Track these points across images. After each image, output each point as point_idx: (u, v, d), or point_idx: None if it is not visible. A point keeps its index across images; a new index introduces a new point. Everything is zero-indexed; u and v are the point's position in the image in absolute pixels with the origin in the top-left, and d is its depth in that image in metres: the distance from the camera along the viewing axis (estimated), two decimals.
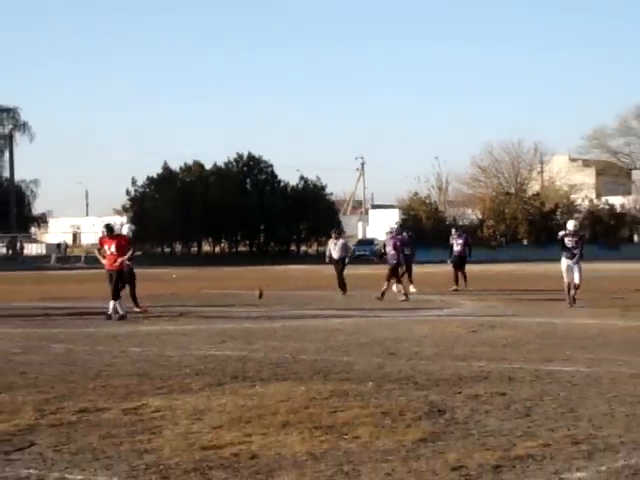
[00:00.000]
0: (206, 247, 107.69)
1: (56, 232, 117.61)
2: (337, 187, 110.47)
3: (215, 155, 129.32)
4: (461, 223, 79.05)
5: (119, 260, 24.75)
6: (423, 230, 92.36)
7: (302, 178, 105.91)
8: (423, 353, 17.86)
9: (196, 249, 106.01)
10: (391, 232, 35.28)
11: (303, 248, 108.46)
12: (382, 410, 11.91)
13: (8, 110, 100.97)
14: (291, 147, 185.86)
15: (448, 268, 38.87)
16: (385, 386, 13.78)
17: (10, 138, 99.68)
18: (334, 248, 36.37)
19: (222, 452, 9.79)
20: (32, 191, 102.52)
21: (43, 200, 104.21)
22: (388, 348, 18.67)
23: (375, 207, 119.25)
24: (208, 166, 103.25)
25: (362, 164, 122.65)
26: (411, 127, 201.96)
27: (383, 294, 32.72)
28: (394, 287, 33.94)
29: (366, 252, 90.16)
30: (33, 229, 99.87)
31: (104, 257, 25.71)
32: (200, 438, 10.52)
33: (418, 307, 29.66)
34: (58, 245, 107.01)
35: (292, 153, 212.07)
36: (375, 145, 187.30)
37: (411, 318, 26.00)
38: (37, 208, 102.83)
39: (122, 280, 26.52)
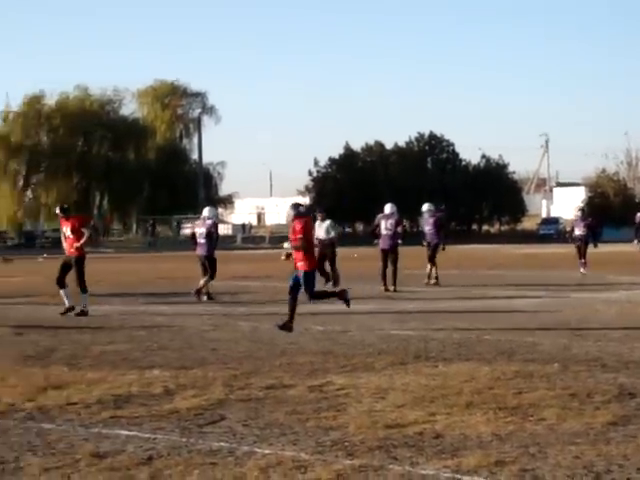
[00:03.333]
0: None
1: (242, 213, 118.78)
2: (520, 165, 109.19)
3: (396, 135, 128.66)
4: None
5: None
6: (611, 208, 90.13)
7: (484, 157, 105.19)
8: (611, 334, 17.66)
9: None
10: (430, 210, 33.83)
11: (485, 227, 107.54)
12: (569, 392, 11.86)
13: (197, 94, 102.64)
14: (473, 126, 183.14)
15: (636, 247, 37.77)
16: (572, 367, 13.69)
17: (199, 121, 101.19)
18: (319, 229, 32.21)
19: (406, 431, 9.89)
20: (219, 173, 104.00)
21: (229, 182, 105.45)
22: (574, 329, 18.51)
23: (560, 185, 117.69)
24: (389, 146, 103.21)
25: (546, 141, 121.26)
26: (598, 102, 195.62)
27: (429, 276, 32.05)
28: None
29: (551, 231, 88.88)
30: (220, 210, 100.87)
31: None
32: (384, 416, 10.64)
33: (605, 288, 29.27)
34: (243, 226, 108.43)
35: (474, 132, 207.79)
36: (560, 122, 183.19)
37: (597, 299, 25.69)
38: (223, 190, 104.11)
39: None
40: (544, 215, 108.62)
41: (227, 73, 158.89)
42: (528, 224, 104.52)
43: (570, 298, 26.08)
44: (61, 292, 23.18)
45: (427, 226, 33.19)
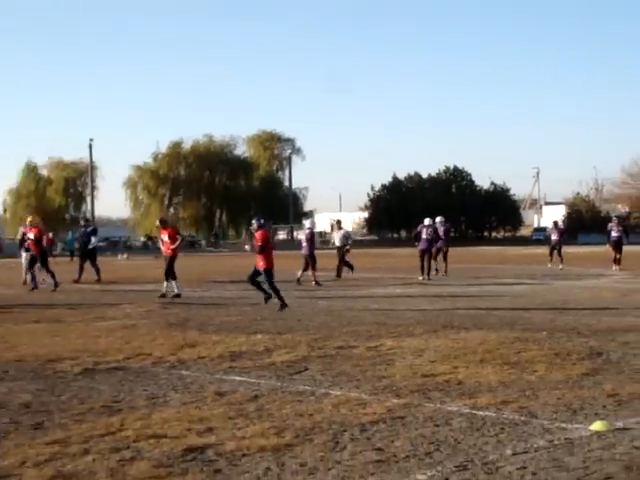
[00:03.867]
0: None
1: (319, 223, 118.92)
2: (518, 189, 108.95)
3: (430, 167, 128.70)
4: (612, 215, 76.32)
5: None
6: (584, 221, 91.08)
7: (492, 183, 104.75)
8: (584, 311, 17.54)
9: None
10: (442, 222, 32.39)
11: (493, 234, 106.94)
12: (554, 352, 11.84)
13: (288, 140, 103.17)
14: (485, 160, 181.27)
15: (605, 248, 37.12)
16: (556, 334, 13.64)
17: (289, 159, 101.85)
18: (336, 236, 32.38)
19: (437, 379, 9.95)
20: (303, 195, 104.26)
21: (311, 201, 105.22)
22: (557, 306, 18.41)
23: (547, 204, 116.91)
24: (424, 175, 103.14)
25: (537, 172, 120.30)
26: (576, 142, 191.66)
27: (437, 270, 30.78)
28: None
29: (540, 237, 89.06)
30: (304, 221, 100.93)
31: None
32: (421, 368, 10.69)
33: (581, 277, 29.03)
34: (320, 233, 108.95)
35: (486, 164, 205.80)
36: (548, 156, 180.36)
37: (574, 285, 25.53)
38: (307, 206, 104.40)
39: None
40: (535, 225, 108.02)
41: (311, 120, 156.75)
42: (524, 232, 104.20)
43: (554, 285, 25.94)
44: (165, 282, 22.86)
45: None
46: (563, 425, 7.66)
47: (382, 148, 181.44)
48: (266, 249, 19.31)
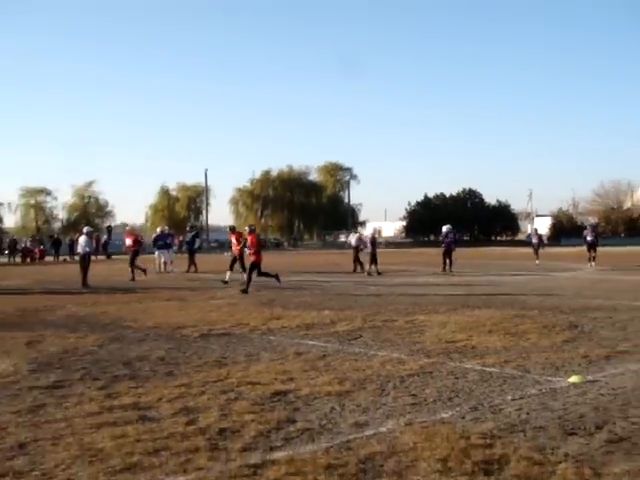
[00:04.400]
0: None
1: (369, 230, 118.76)
2: (517, 205, 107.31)
3: (451, 188, 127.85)
4: (586, 224, 74.62)
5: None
6: (564, 228, 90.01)
7: (497, 200, 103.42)
8: (565, 294, 17.26)
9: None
10: (451, 229, 29.52)
11: (498, 238, 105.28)
12: (543, 325, 11.67)
13: (347, 168, 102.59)
14: (492, 181, 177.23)
15: (582, 249, 36.21)
16: (544, 312, 13.43)
17: (348, 183, 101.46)
18: (352, 238, 30.04)
19: (456, 344, 9.89)
20: (358, 209, 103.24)
21: (364, 213, 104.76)
22: (545, 291, 18.15)
23: (538, 216, 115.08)
24: (447, 194, 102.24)
25: (530, 193, 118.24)
26: (559, 168, 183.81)
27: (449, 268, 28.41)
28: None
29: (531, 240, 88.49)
30: (359, 229, 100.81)
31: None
32: (445, 337, 10.62)
33: (564, 270, 28.54)
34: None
35: (493, 184, 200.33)
36: (540, 179, 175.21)
37: (558, 276, 25.09)
38: (361, 217, 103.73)
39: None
40: (529, 232, 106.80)
41: (365, 152, 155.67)
42: (521, 236, 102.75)
43: (543, 276, 25.53)
44: (227, 272, 22.57)
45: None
46: (549, 378, 7.62)
47: (416, 173, 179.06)
48: (256, 249, 19.85)
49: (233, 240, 23.52)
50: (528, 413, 6.23)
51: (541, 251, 36.34)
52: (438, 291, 18.95)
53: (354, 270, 27.93)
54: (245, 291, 18.80)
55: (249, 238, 20.29)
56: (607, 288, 19.51)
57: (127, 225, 29.36)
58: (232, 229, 24.94)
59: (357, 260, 28.35)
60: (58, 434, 5.70)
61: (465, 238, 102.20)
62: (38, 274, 29.99)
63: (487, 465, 4.88)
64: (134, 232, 29.76)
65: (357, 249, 28.60)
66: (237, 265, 22.99)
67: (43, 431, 5.80)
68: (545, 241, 37.79)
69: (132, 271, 24.82)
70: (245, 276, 20.19)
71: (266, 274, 20.27)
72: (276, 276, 20.64)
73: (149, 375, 8.01)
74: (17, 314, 14.41)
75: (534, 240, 37.08)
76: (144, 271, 25.21)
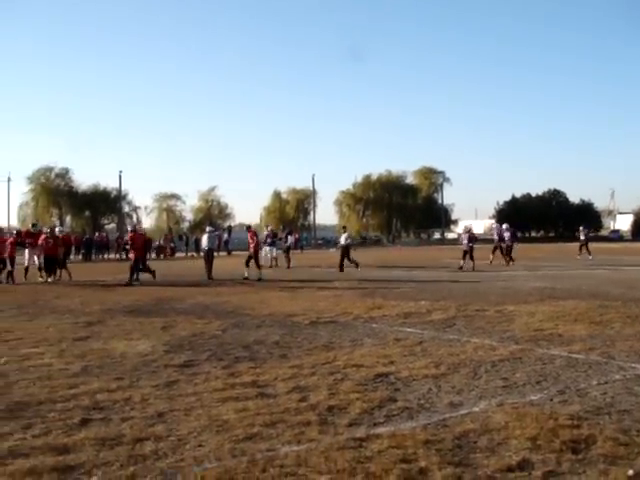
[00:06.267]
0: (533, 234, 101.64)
1: (459, 228, 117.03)
2: (599, 203, 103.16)
3: (537, 188, 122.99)
4: None
5: None
6: None
7: (581, 199, 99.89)
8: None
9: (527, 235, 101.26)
10: (508, 227, 28.89)
11: (581, 236, 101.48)
12: (626, 315, 11.26)
13: (440, 172, 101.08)
14: (578, 182, 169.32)
15: None
16: (627, 303, 12.93)
17: (442, 185, 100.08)
18: (342, 237, 26.80)
19: (544, 332, 9.65)
20: (451, 209, 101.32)
21: (456, 213, 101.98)
22: (627, 285, 17.37)
23: (620, 213, 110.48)
24: (533, 194, 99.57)
25: (612, 192, 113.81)
26: None
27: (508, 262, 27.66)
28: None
29: (616, 236, 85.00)
30: (452, 227, 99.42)
31: None
32: (533, 325, 10.37)
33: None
34: (458, 235, 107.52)
35: (578, 186, 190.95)
36: (622, 182, 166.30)
37: (638, 271, 24.01)
38: (453, 216, 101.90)
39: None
40: (611, 228, 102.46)
41: (457, 156, 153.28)
42: (603, 232, 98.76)
43: (623, 270, 24.37)
44: (245, 269, 21.89)
45: (507, 233, 28.53)
46: (633, 365, 7.33)
47: (505, 174, 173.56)
48: (255, 242, 22.11)
49: (249, 238, 22.69)
50: (613, 397, 6.00)
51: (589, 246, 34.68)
52: (525, 283, 18.48)
53: (357, 265, 25.40)
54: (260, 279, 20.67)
55: (249, 234, 22.49)
56: None
57: (245, 225, 29.51)
58: (248, 228, 24.37)
59: (349, 258, 25.60)
60: (190, 406, 5.89)
61: (551, 234, 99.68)
62: (170, 268, 30.99)
63: (574, 444, 4.76)
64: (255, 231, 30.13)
65: (348, 248, 26.25)
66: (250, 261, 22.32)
67: (177, 403, 6.01)
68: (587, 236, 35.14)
69: (258, 267, 22.51)
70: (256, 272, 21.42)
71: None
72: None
73: (266, 357, 8.16)
74: (153, 303, 14.92)
75: (582, 237, 35.41)
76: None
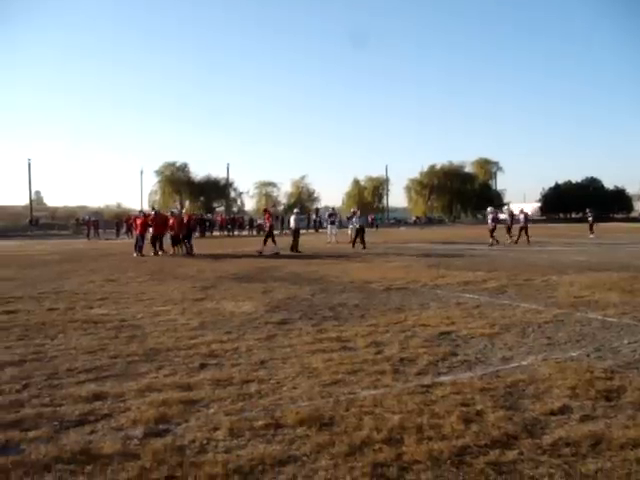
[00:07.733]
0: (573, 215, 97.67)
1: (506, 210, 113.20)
2: (632, 188, 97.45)
3: (577, 176, 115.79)
4: None
5: None
6: None
7: (615, 186, 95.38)
8: None
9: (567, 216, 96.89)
10: (523, 211, 27.10)
11: (616, 215, 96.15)
12: None
13: (494, 162, 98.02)
14: (615, 171, 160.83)
15: None
16: None
17: (495, 174, 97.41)
18: (355, 219, 25.21)
19: (582, 299, 9.34)
20: (503, 193, 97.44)
21: (507, 196, 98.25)
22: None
23: None
24: (573, 181, 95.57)
25: None
26: None
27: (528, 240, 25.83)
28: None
29: None
30: (504, 209, 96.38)
31: None
32: (572, 293, 10.07)
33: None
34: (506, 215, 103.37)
35: (613, 175, 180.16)
36: None
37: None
38: (505, 200, 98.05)
39: None
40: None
41: (510, 147, 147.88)
42: (634, 214, 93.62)
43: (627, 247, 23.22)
44: (262, 246, 21.62)
45: (521, 215, 26.65)
46: None
47: (551, 162, 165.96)
48: (270, 223, 21.72)
49: (264, 219, 22.10)
50: None
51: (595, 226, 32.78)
52: (566, 257, 17.87)
53: (364, 246, 23.66)
54: (260, 252, 20.94)
55: (266, 216, 21.91)
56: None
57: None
58: (265, 210, 23.63)
59: (361, 240, 23.96)
60: (286, 356, 6.05)
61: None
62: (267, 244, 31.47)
63: (608, 393, 4.68)
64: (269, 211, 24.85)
65: (362, 228, 24.53)
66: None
67: (275, 353, 6.17)
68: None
69: (274, 242, 21.93)
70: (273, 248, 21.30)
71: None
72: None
73: (347, 317, 8.26)
74: (255, 271, 15.16)
75: (589, 218, 33.32)
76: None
